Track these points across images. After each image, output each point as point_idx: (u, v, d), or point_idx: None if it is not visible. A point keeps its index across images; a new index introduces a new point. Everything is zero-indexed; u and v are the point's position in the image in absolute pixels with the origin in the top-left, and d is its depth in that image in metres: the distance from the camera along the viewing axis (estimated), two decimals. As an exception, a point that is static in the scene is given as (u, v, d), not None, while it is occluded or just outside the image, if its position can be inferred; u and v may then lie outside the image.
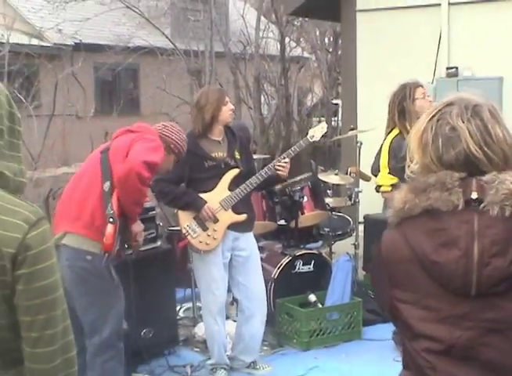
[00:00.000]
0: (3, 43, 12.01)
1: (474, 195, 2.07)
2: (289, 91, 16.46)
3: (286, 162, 5.64)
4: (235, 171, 5.61)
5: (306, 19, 16.83)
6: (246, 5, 18.08)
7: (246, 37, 16.48)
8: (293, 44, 18.52)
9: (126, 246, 4.80)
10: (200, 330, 6.56)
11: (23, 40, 14.33)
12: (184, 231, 5.58)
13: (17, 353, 2.06)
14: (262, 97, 16.20)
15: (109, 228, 4.43)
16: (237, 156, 5.66)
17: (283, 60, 16.23)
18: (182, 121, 14.88)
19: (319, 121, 6.17)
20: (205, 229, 5.54)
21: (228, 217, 5.59)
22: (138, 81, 19.15)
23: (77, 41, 16.27)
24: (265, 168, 5.66)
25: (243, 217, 5.62)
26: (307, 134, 5.91)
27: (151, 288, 5.80)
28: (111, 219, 4.42)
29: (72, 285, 4.47)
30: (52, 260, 2.04)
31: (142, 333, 5.79)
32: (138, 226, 4.76)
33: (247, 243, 5.74)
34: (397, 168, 5.68)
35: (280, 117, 15.98)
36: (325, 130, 5.90)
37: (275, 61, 16.88)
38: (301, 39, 20.57)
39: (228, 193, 5.58)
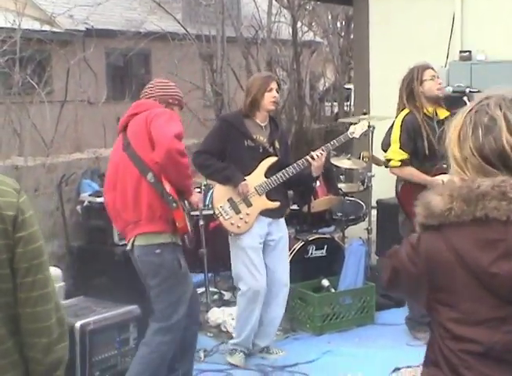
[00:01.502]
0: (15, 29, 12.00)
1: None
2: (301, 75, 16.40)
3: (321, 154, 5.65)
4: (273, 159, 5.68)
5: (318, 3, 16.75)
6: (258, -11, 17.98)
7: (257, 21, 16.40)
8: (305, 28, 18.43)
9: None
10: (213, 315, 6.58)
11: (35, 26, 14.31)
12: (217, 212, 5.66)
13: (16, 322, 2.16)
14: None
15: (176, 213, 4.58)
16: (277, 145, 5.74)
17: (295, 45, 16.16)
18: (194, 106, 14.88)
19: (364, 113, 6.11)
20: (238, 212, 5.61)
21: (262, 202, 5.64)
22: (149, 66, 19.11)
23: (89, 27, 16.24)
24: (303, 159, 5.68)
25: (276, 204, 5.68)
26: (347, 129, 5.95)
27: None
28: (174, 205, 4.55)
29: (146, 278, 4.76)
30: (37, 225, 2.19)
31: (156, 318, 5.80)
32: (195, 197, 4.87)
33: (279, 228, 5.81)
34: (408, 143, 5.74)
35: (292, 102, 15.92)
36: (365, 128, 6.00)
37: (287, 45, 16.81)
38: (313, 23, 20.46)
39: (264, 179, 5.64)
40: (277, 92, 5.66)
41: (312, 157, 5.61)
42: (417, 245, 2.17)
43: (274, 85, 5.64)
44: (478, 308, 2.06)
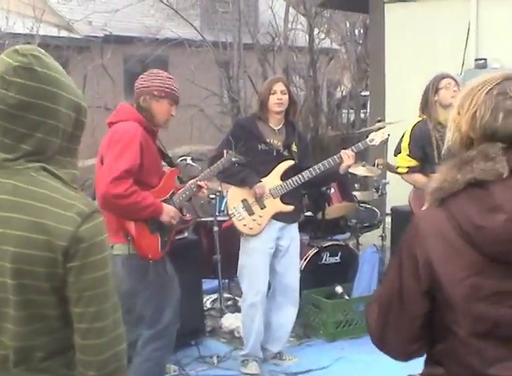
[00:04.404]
0: (33, 35, 12.09)
1: None
2: (317, 82, 16.42)
3: (352, 154, 5.66)
4: (289, 162, 5.69)
5: (335, 10, 16.77)
6: (276, -4, 18.02)
7: (274, 28, 16.45)
8: (322, 35, 18.45)
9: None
10: (226, 321, 6.60)
11: (53, 32, 14.40)
12: (230, 212, 5.66)
13: (65, 341, 2.09)
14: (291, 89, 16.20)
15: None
16: (294, 149, 5.75)
17: (312, 52, 16.19)
18: (210, 113, 14.94)
19: (379, 121, 6.15)
20: (251, 213, 5.62)
21: (276, 205, 5.66)
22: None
23: (107, 33, 16.32)
24: (320, 164, 5.69)
25: (290, 208, 5.69)
26: (367, 137, 5.92)
27: (178, 279, 5.81)
28: (128, 237, 4.48)
29: (132, 283, 4.59)
30: (104, 253, 2.06)
31: (169, 323, 5.82)
32: (166, 216, 4.60)
33: (291, 233, 5.81)
34: (416, 150, 5.83)
35: (309, 109, 15.95)
36: (386, 137, 5.92)
37: (304, 52, 16.84)
38: (331, 30, 20.48)
39: (280, 182, 5.65)
40: (283, 94, 5.63)
41: (343, 156, 5.62)
42: (416, 225, 2.18)
43: (278, 87, 5.63)
44: (485, 282, 2.06)
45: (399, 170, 5.98)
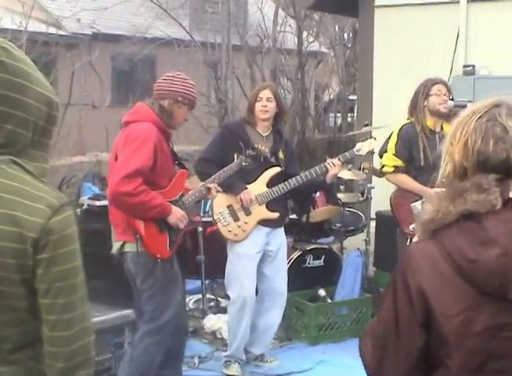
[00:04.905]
0: (21, 31, 12.05)
1: None
2: (305, 85, 16.43)
3: (338, 162, 5.66)
4: (276, 169, 5.67)
5: (325, 13, 16.79)
6: (265, -3, 18.03)
7: (263, 30, 16.46)
8: (310, 38, 18.47)
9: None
10: (208, 321, 6.58)
11: (41, 28, 14.35)
12: (215, 217, 5.64)
13: (34, 333, 2.09)
14: (278, 91, 16.21)
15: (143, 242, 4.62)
16: (281, 156, 5.74)
17: (300, 54, 16.20)
18: (197, 113, 14.90)
19: (366, 125, 6.21)
20: (236, 219, 5.61)
21: (261, 212, 5.65)
22: (155, 71, 19.13)
23: (95, 31, 16.28)
24: (306, 172, 5.68)
25: (275, 215, 5.68)
26: (354, 146, 5.94)
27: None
28: (137, 236, 4.59)
29: (140, 280, 4.72)
30: (73, 245, 2.06)
31: (151, 323, 5.80)
32: (173, 218, 4.70)
33: (278, 238, 5.81)
34: (403, 151, 5.84)
35: (296, 112, 15.96)
36: (373, 147, 5.94)
37: (293, 55, 16.86)
38: (320, 34, 20.49)
39: (266, 189, 5.64)
40: (269, 101, 5.60)
41: (329, 164, 5.62)
42: (409, 256, 2.14)
43: (264, 94, 5.61)
44: (478, 316, 2.04)
45: (385, 169, 5.96)
